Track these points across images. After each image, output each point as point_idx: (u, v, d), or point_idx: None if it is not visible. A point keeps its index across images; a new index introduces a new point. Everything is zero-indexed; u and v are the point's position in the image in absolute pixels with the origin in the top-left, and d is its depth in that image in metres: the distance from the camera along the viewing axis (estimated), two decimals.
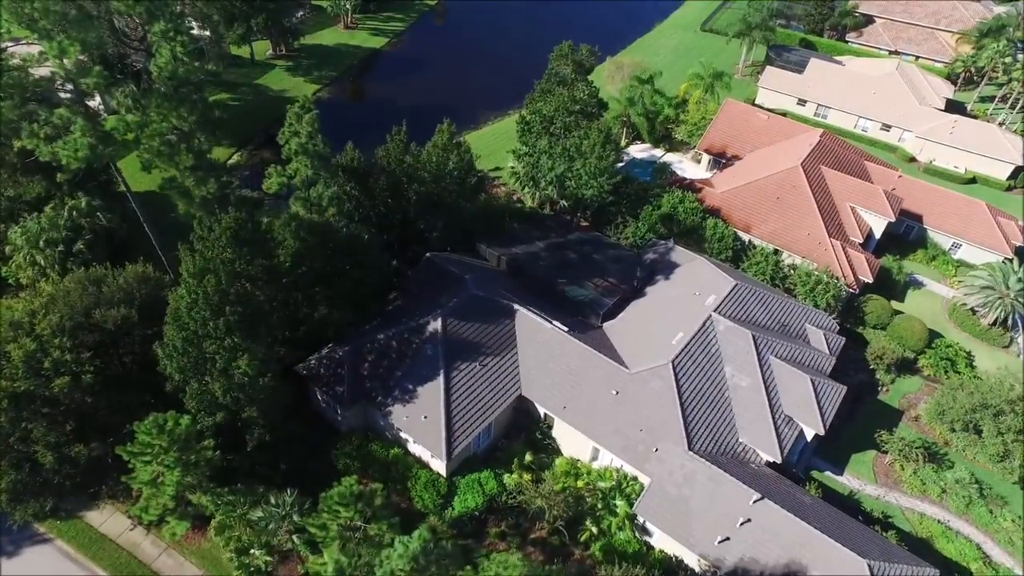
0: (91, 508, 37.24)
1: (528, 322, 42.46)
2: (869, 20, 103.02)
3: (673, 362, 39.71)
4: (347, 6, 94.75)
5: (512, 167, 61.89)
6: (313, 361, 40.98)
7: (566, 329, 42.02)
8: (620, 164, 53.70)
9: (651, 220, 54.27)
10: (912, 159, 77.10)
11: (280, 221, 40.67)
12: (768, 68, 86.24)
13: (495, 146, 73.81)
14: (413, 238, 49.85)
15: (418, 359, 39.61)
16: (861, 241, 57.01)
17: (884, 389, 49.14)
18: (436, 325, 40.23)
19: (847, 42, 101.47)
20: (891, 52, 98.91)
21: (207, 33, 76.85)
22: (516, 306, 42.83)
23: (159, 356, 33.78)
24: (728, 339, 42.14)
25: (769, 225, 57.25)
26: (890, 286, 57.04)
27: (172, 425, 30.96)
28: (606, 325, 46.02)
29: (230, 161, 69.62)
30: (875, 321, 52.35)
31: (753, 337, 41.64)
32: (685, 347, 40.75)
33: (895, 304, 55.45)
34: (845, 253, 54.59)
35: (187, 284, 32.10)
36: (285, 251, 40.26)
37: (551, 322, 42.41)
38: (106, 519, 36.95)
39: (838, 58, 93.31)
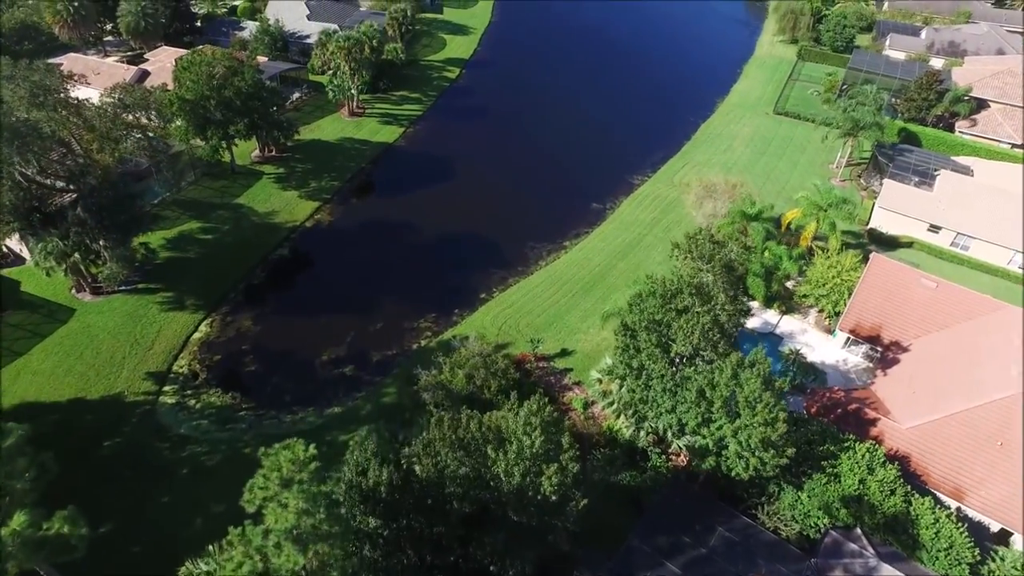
0: None
1: None
2: (982, 105, 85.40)
3: None
4: (352, 91, 75.99)
5: (599, 381, 43.10)
6: None
7: None
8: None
9: (824, 498, 35.67)
10: None
11: None
12: (887, 182, 68.03)
13: (556, 307, 54.77)
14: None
15: None
16: None
17: None
18: None
19: (955, 132, 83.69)
20: (1014, 146, 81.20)
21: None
22: None
23: None
24: None
25: (993, 491, 38.45)
26: None
27: None
28: None
29: (195, 334, 50.42)
30: None
31: None
32: None
33: None
34: None
35: None
36: None
37: None
38: None
39: (958, 159, 75.37)
